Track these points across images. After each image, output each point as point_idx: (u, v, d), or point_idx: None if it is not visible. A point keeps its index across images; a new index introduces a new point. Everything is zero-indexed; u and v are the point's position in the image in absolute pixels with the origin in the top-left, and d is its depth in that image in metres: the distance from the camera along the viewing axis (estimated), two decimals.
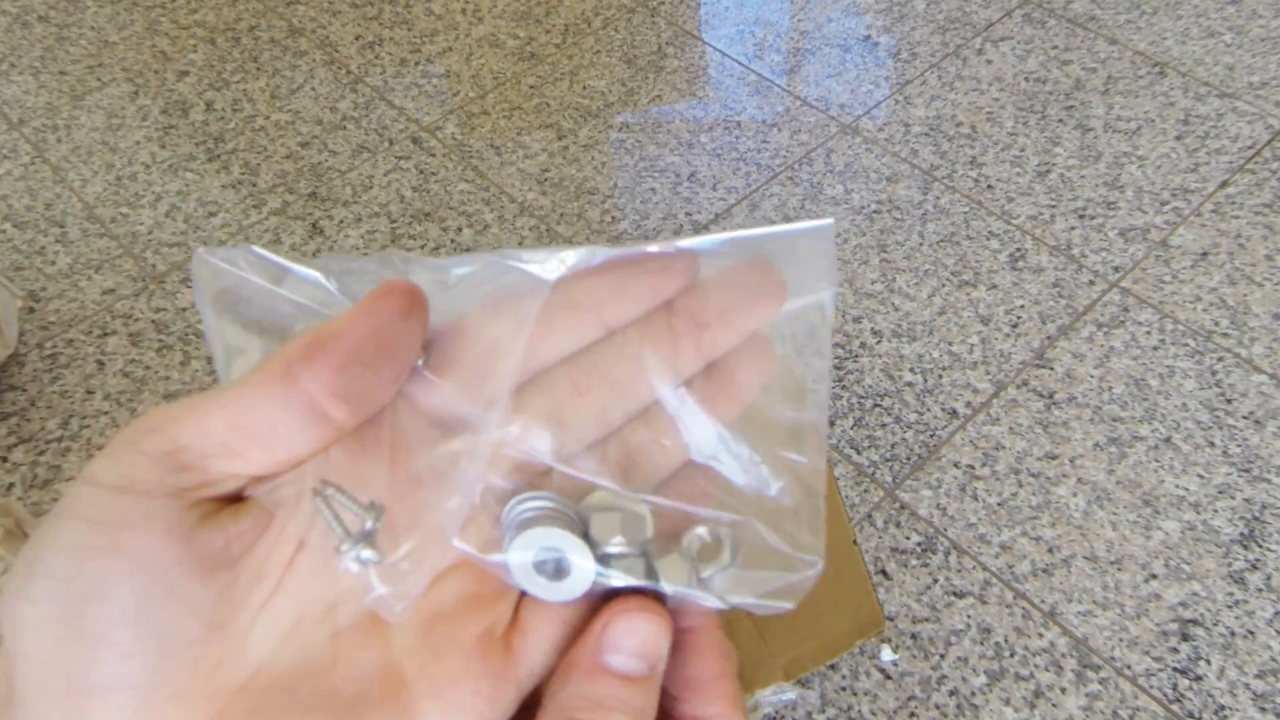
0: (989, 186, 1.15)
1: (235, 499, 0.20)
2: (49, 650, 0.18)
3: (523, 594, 0.21)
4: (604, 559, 0.21)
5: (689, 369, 0.21)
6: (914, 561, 0.86)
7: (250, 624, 0.20)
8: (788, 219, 1.12)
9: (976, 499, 0.89)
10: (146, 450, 0.18)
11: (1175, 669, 0.79)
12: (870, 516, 0.89)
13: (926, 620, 0.82)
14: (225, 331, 0.22)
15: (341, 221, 1.14)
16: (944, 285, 1.06)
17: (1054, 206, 1.12)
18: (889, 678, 0.80)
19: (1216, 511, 0.88)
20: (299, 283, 0.22)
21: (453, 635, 0.20)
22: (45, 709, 0.18)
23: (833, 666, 0.80)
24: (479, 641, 0.20)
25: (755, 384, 0.22)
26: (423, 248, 1.11)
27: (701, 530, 0.22)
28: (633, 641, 0.20)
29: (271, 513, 0.20)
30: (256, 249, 0.22)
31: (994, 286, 1.05)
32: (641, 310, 0.21)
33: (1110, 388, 0.97)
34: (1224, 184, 1.14)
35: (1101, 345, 1.00)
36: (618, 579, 0.21)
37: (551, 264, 0.21)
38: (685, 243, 0.21)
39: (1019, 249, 1.09)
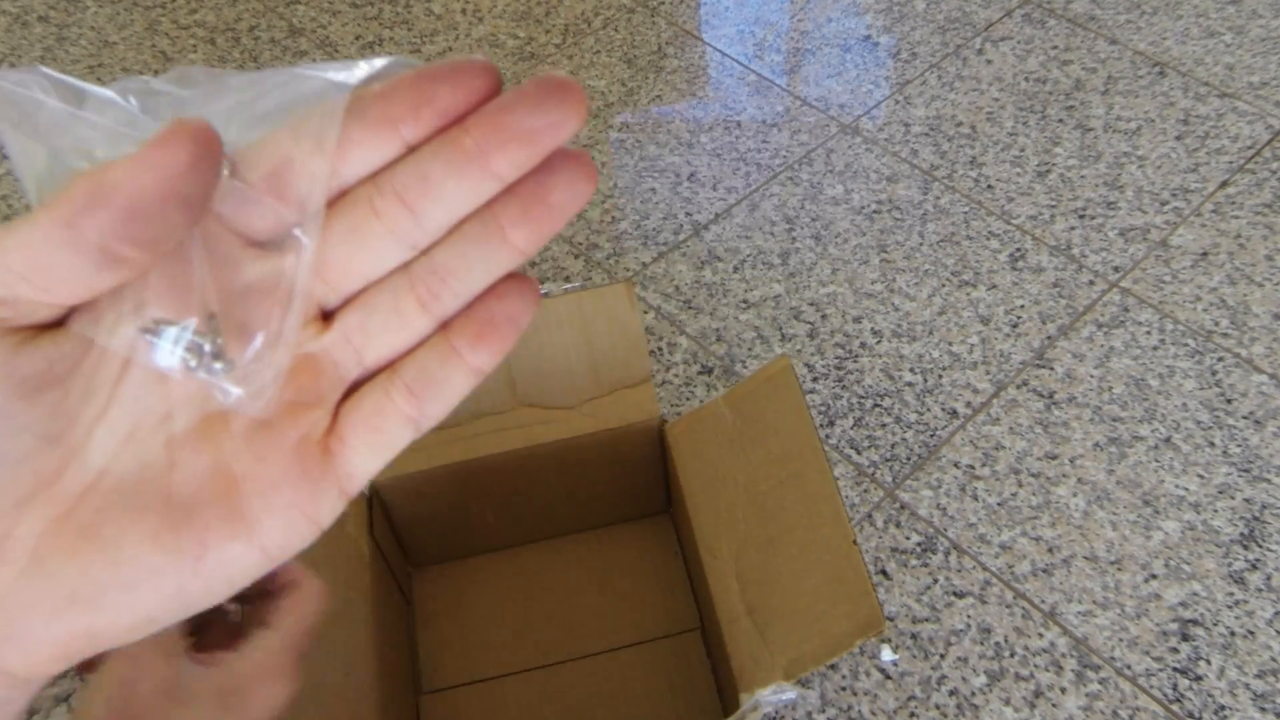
0: (989, 186, 1.15)
1: (56, 324, 0.21)
2: None
3: (340, 401, 0.23)
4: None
5: (484, 191, 0.22)
6: (914, 561, 0.86)
7: (86, 436, 0.21)
8: (788, 219, 1.12)
9: (976, 499, 0.89)
10: None
11: (1175, 669, 0.79)
12: (870, 516, 0.89)
13: (926, 620, 0.82)
14: (32, 155, 0.22)
15: None
16: (944, 285, 1.06)
17: (1054, 206, 1.12)
18: (889, 678, 0.80)
19: (1216, 511, 0.88)
20: (100, 104, 0.21)
21: (274, 440, 0.22)
22: None
23: (833, 666, 0.80)
24: (297, 446, 0.22)
25: (570, 204, 0.22)
26: None
27: None
28: None
29: (91, 338, 0.21)
30: (45, 69, 0.21)
31: (994, 286, 1.05)
32: (439, 126, 0.21)
33: (1110, 388, 0.97)
34: (1224, 184, 1.14)
35: (1101, 345, 1.00)
36: None
37: (357, 71, 0.21)
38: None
39: (1019, 249, 1.09)
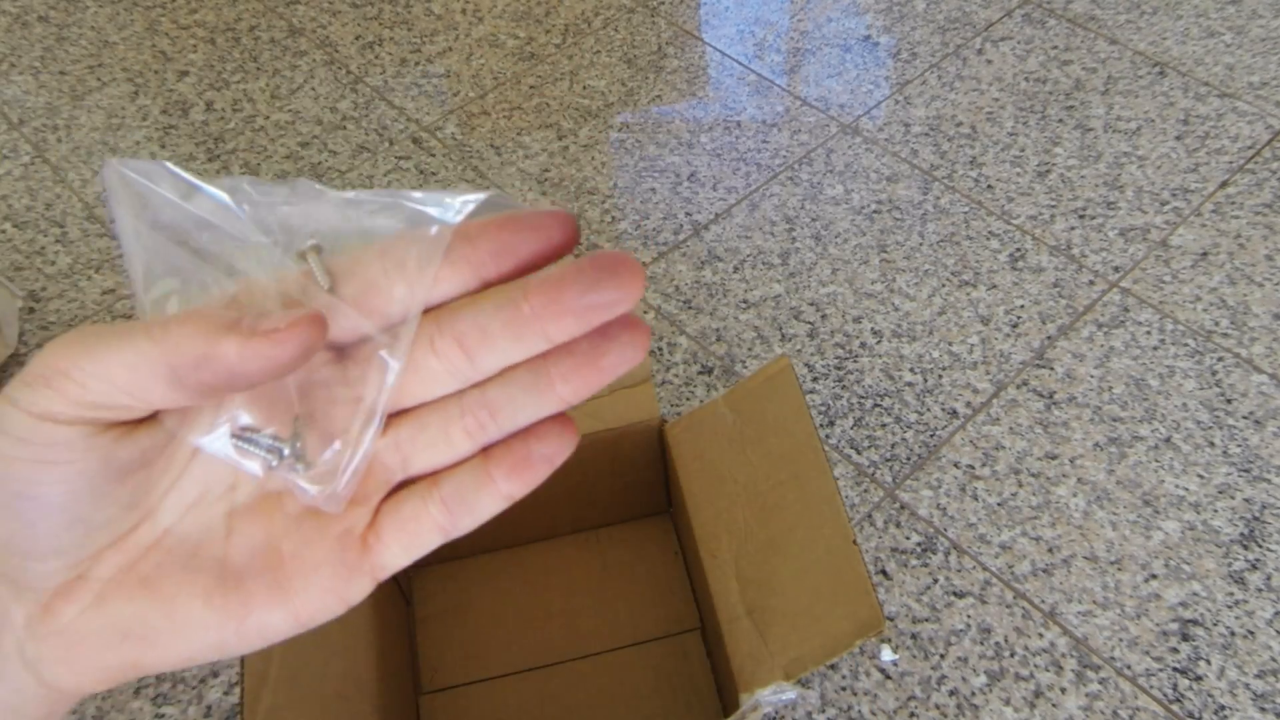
0: (989, 186, 1.15)
1: (150, 415, 0.23)
2: None
3: (382, 500, 0.25)
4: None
5: (537, 348, 0.24)
6: (914, 561, 0.86)
7: (160, 500, 0.24)
8: (788, 219, 1.12)
9: (976, 499, 0.89)
10: (61, 391, 0.22)
11: (1175, 669, 0.79)
12: (870, 516, 0.89)
13: (926, 620, 0.82)
14: (144, 243, 0.23)
15: None
16: (944, 285, 1.06)
17: (1054, 206, 1.12)
18: (889, 678, 0.80)
19: (1216, 511, 0.88)
20: (213, 205, 0.23)
21: (321, 528, 0.25)
22: None
23: (833, 666, 0.80)
24: (341, 536, 0.25)
25: (620, 367, 0.24)
26: None
27: None
28: None
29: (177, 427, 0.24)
30: (169, 165, 0.23)
31: (994, 286, 1.05)
32: (516, 271, 0.24)
33: (1110, 388, 0.97)
34: (1224, 184, 1.14)
35: (1101, 345, 1.00)
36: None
37: (456, 208, 0.23)
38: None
39: (1019, 249, 1.09)
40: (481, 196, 0.24)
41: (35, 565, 0.23)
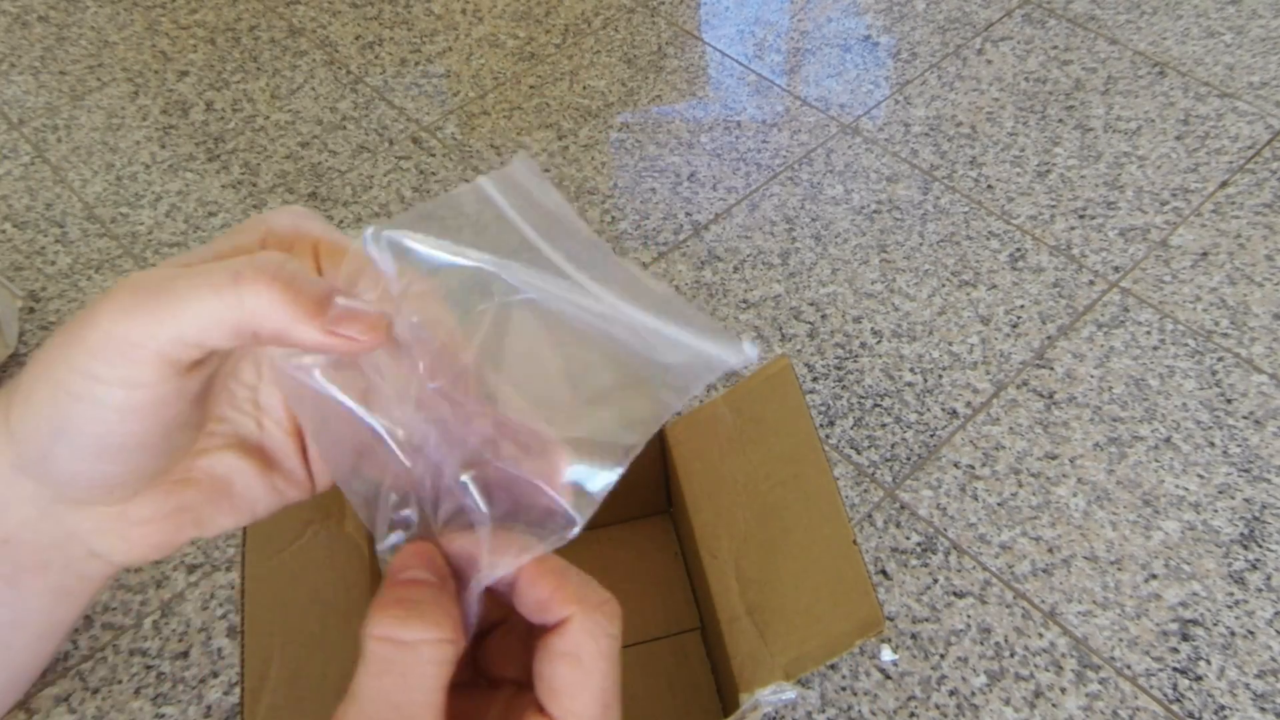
0: (989, 186, 1.15)
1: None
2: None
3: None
4: None
5: None
6: (914, 561, 0.86)
7: (215, 408, 0.29)
8: (788, 219, 1.12)
9: (976, 499, 0.89)
10: (138, 361, 0.23)
11: (1175, 669, 0.79)
12: (870, 516, 0.89)
13: (926, 620, 0.82)
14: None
15: (341, 222, 1.14)
16: (944, 285, 1.06)
17: (1054, 206, 1.12)
18: (889, 678, 0.80)
19: (1216, 511, 0.88)
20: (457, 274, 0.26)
21: None
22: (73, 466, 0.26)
23: (833, 666, 0.80)
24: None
25: None
26: None
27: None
28: None
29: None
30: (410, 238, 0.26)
31: (994, 286, 1.05)
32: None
33: (1110, 388, 0.97)
34: (1224, 184, 1.14)
35: (1101, 345, 1.00)
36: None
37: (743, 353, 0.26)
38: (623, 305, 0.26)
39: (1019, 249, 1.09)
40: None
41: (117, 490, 0.27)
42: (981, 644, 0.81)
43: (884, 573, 0.85)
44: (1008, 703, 0.78)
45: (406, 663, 0.24)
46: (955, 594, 0.84)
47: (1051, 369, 0.98)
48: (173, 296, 0.23)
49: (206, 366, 0.26)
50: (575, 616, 0.25)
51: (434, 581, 0.26)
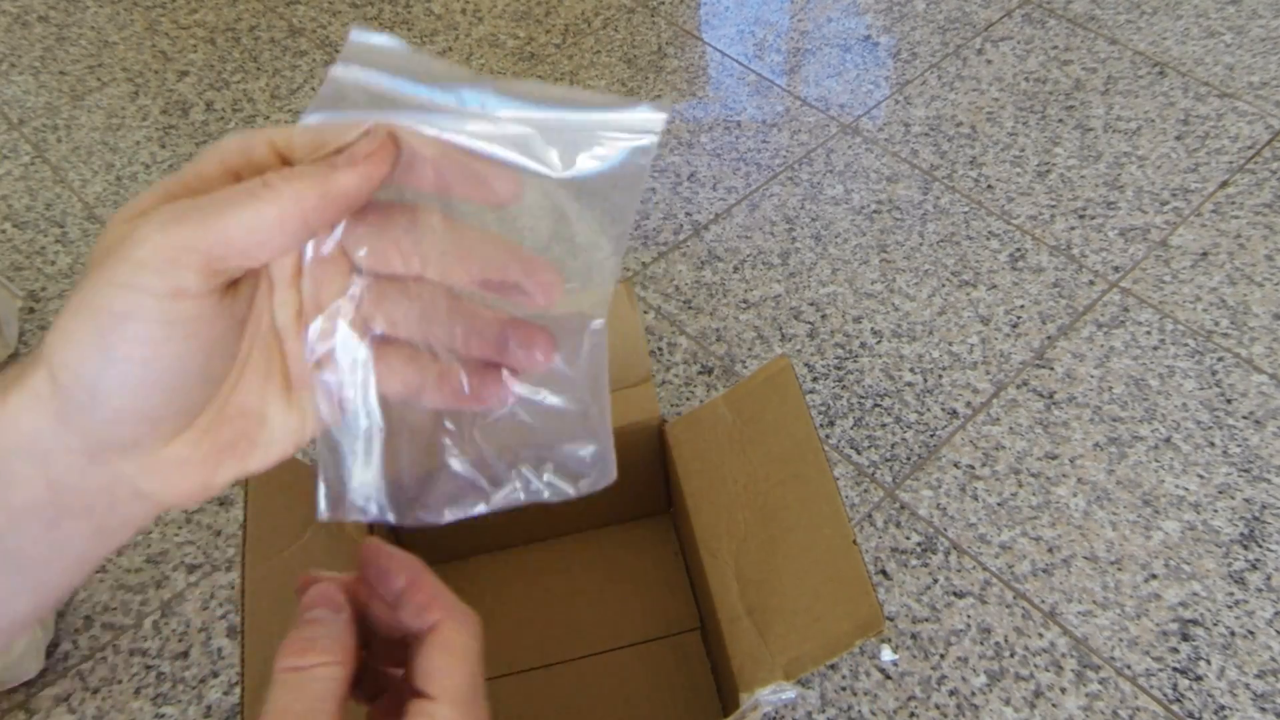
0: (989, 186, 1.15)
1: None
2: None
3: None
4: None
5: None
6: (914, 561, 0.86)
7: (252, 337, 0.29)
8: (788, 219, 1.12)
9: (976, 499, 0.89)
10: (190, 266, 0.24)
11: (1175, 669, 0.79)
12: (870, 517, 0.89)
13: (926, 620, 0.82)
14: (339, 101, 0.27)
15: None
16: (944, 285, 1.06)
17: (1054, 206, 1.12)
18: (889, 678, 0.80)
19: (1216, 511, 0.88)
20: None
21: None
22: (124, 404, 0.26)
23: (833, 666, 0.80)
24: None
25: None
26: None
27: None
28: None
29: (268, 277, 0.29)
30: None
31: (994, 286, 1.05)
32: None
33: (1110, 388, 0.97)
34: (1224, 184, 1.14)
35: (1101, 345, 1.00)
36: None
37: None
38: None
39: (1019, 249, 1.09)
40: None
41: (160, 427, 0.27)
42: (981, 644, 0.81)
43: (884, 573, 0.85)
44: (1008, 703, 0.78)
45: (303, 682, 0.30)
46: (955, 594, 0.84)
47: (1051, 369, 0.98)
48: (214, 207, 0.25)
49: (244, 288, 0.27)
50: (445, 620, 0.31)
51: (329, 619, 0.31)
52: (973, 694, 0.79)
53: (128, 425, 0.27)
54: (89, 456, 0.27)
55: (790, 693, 0.57)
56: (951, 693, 0.79)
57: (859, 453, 0.93)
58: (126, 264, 0.24)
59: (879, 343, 1.01)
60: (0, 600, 0.29)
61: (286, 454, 0.31)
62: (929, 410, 0.96)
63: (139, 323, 0.24)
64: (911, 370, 0.99)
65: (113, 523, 0.29)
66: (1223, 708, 0.77)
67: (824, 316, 1.04)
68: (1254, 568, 0.85)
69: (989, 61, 1.30)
